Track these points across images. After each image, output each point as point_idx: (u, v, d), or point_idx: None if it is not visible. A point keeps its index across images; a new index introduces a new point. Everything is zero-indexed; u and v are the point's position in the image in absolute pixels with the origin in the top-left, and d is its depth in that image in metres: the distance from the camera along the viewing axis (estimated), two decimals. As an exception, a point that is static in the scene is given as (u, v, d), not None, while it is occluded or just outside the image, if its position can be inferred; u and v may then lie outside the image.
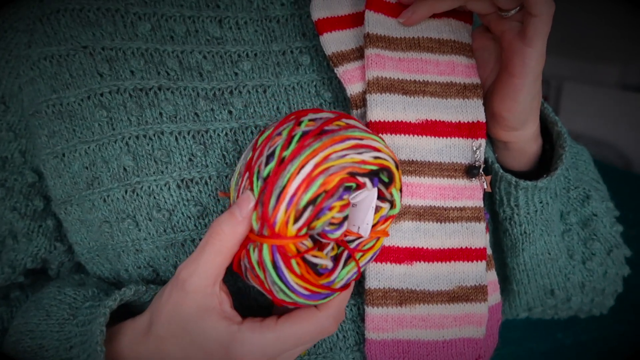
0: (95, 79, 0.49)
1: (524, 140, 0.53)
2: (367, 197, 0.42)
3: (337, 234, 0.41)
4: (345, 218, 0.41)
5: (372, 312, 0.49)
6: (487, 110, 0.51)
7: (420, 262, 0.50)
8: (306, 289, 0.40)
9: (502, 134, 0.52)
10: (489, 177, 0.52)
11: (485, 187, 0.51)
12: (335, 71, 0.51)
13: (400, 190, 0.44)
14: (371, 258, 0.44)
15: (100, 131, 0.48)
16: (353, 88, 0.51)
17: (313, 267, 0.40)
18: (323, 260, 0.41)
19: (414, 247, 0.50)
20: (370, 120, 0.49)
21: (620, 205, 0.64)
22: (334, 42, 0.52)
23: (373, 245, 0.44)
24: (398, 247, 0.49)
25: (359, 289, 0.50)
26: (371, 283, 0.49)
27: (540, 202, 0.53)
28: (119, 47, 0.49)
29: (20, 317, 0.51)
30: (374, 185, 0.41)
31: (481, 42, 0.53)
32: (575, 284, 0.58)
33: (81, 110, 0.49)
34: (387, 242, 0.49)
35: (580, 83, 1.74)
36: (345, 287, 0.43)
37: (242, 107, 0.50)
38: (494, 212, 0.56)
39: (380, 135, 0.49)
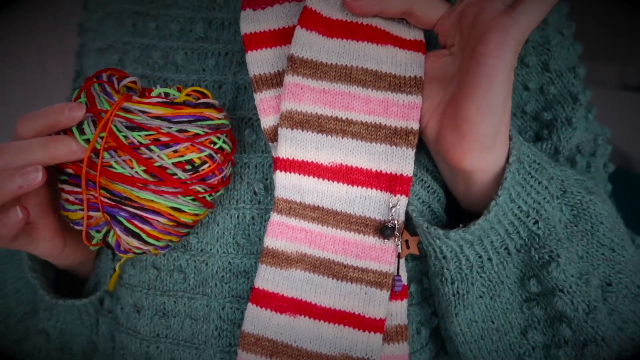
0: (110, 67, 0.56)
1: (492, 169, 0.43)
2: None
3: None
4: None
5: (242, 356, 0.46)
6: (449, 125, 0.43)
7: (304, 316, 0.45)
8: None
9: (464, 155, 0.42)
10: (415, 239, 0.45)
11: (400, 250, 0.45)
12: (255, 98, 0.47)
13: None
14: None
15: None
16: (266, 121, 0.47)
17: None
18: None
19: (300, 300, 0.46)
20: (279, 157, 0.46)
21: (621, 205, 0.63)
22: (257, 62, 0.47)
23: None
24: (283, 295, 0.46)
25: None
26: (247, 326, 0.46)
27: (479, 257, 0.44)
28: (131, 42, 0.57)
29: None
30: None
31: (437, 60, 0.46)
32: None
33: None
34: (272, 288, 0.46)
35: (580, 83, 1.74)
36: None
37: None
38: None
39: (286, 172, 0.45)
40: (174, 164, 0.43)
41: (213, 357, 0.50)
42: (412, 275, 0.49)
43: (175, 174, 0.43)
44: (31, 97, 2.22)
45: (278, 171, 0.46)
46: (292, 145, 0.45)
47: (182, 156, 0.43)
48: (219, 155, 0.45)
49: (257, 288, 0.46)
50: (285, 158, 0.46)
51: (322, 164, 0.45)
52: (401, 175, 0.45)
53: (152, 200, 0.43)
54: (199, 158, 0.44)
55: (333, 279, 0.45)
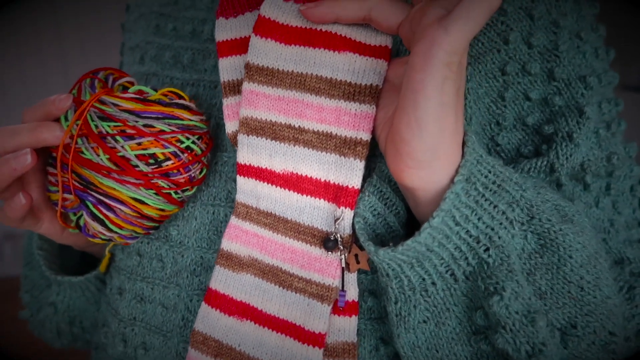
0: (134, 65, 0.60)
1: (434, 188, 0.39)
2: None
3: None
4: None
5: (190, 353, 0.47)
6: (389, 140, 0.39)
7: (250, 321, 0.45)
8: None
9: (402, 171, 0.38)
10: (365, 253, 0.42)
11: (344, 265, 0.43)
12: (223, 102, 0.47)
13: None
14: None
15: None
16: (230, 126, 0.47)
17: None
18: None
19: (248, 304, 0.45)
20: (238, 162, 0.46)
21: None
22: (227, 69, 0.47)
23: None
24: (233, 298, 0.46)
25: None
26: (197, 324, 0.47)
27: (422, 279, 0.41)
28: (151, 40, 0.59)
29: None
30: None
31: (400, 68, 0.43)
32: None
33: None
34: (223, 289, 0.46)
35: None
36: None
37: (191, 97, 0.55)
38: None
39: (244, 177, 0.47)
40: (136, 156, 0.45)
41: (177, 346, 0.51)
42: (371, 288, 0.46)
43: (137, 166, 0.45)
44: (31, 97, 2.22)
45: (238, 175, 0.47)
46: (248, 151, 0.46)
47: (145, 149, 0.45)
48: (185, 154, 0.46)
49: (210, 288, 0.47)
50: (243, 164, 0.46)
51: (275, 171, 0.45)
52: (347, 187, 0.43)
53: (114, 189, 0.45)
54: (163, 154, 0.45)
55: (279, 286, 0.45)
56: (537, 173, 0.45)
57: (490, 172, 0.40)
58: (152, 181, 0.45)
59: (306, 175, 0.44)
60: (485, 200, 0.39)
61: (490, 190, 0.40)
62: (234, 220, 0.47)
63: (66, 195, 0.46)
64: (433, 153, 0.37)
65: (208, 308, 0.47)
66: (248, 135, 0.46)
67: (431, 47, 0.35)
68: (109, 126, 0.45)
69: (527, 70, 0.46)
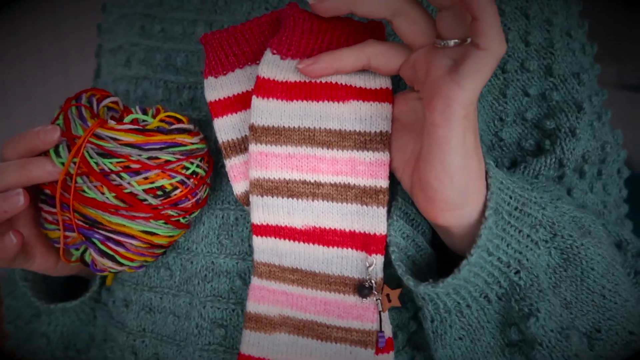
0: (119, 68, 0.59)
1: (467, 224, 0.41)
2: None
3: None
4: None
5: None
6: (417, 185, 0.41)
7: None
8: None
9: (437, 214, 0.40)
10: (396, 292, 0.44)
11: (380, 308, 0.44)
12: (224, 164, 0.47)
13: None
14: None
15: None
16: (238, 187, 0.46)
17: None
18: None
19: None
20: (253, 223, 0.45)
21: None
22: (224, 129, 0.46)
23: None
24: None
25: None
26: None
27: (457, 303, 0.43)
28: (137, 43, 0.58)
29: None
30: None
31: (406, 104, 0.43)
32: None
33: (111, 89, 0.60)
34: (257, 352, 0.45)
35: (579, 83, 1.74)
36: None
37: (189, 101, 0.54)
38: None
39: (262, 237, 0.46)
40: (144, 190, 0.43)
41: (192, 355, 0.50)
42: (395, 324, 0.49)
43: (146, 200, 0.43)
44: (31, 97, 2.22)
45: (254, 236, 0.46)
46: (264, 211, 0.45)
47: (152, 183, 0.43)
48: (191, 180, 0.45)
49: (243, 354, 0.45)
50: (259, 224, 0.45)
51: (296, 227, 0.45)
52: (374, 234, 0.44)
53: (124, 225, 0.44)
54: (170, 184, 0.44)
55: (317, 340, 0.45)
56: (547, 170, 0.48)
57: (511, 197, 0.42)
58: (162, 212, 0.44)
59: (330, 228, 0.44)
60: (511, 227, 0.41)
61: (514, 217, 0.42)
62: (256, 282, 0.45)
63: (68, 233, 0.44)
64: (464, 195, 0.39)
65: None
66: (262, 197, 0.45)
67: (449, 104, 0.36)
68: (111, 163, 0.42)
69: (525, 67, 0.48)
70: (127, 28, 0.60)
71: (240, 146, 0.46)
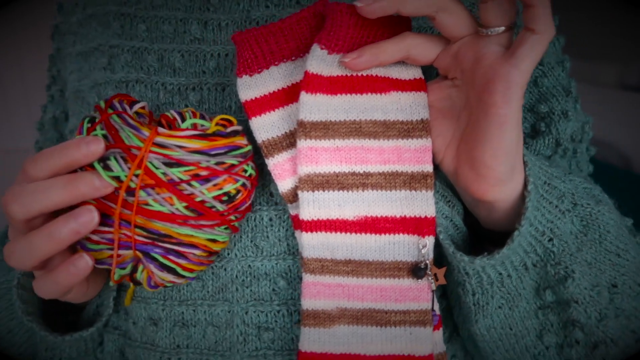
0: (100, 72, 0.56)
1: (512, 198, 0.44)
2: None
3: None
4: None
5: None
6: (466, 164, 0.43)
7: None
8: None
9: (487, 190, 0.43)
10: (442, 270, 0.46)
11: (434, 287, 0.46)
12: (267, 163, 0.47)
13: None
14: None
15: None
16: (284, 185, 0.46)
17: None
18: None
19: (349, 354, 0.45)
20: (303, 219, 0.45)
21: (621, 205, 0.63)
22: (263, 128, 0.46)
23: None
24: (332, 353, 0.45)
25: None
26: None
27: (499, 274, 0.46)
28: (120, 45, 0.55)
29: None
30: None
31: (441, 92, 0.46)
32: None
33: (87, 97, 0.56)
34: (319, 348, 0.45)
35: (579, 83, 1.74)
36: None
37: (197, 102, 0.52)
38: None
39: (312, 232, 0.46)
40: (213, 197, 0.42)
41: None
42: None
43: (214, 207, 0.43)
44: (31, 98, 2.22)
45: (304, 232, 0.46)
46: (315, 206, 0.46)
47: (221, 189, 0.42)
48: (249, 182, 0.45)
49: (305, 352, 0.45)
50: (310, 219, 0.45)
51: (347, 219, 0.46)
52: (425, 217, 0.46)
53: (192, 235, 0.42)
54: (235, 188, 0.43)
55: (377, 326, 0.46)
56: (545, 149, 0.52)
57: (540, 172, 0.46)
58: (227, 218, 0.43)
59: (381, 216, 0.46)
60: (544, 199, 0.46)
61: (545, 191, 0.46)
62: (309, 278, 0.46)
63: (121, 252, 0.42)
64: (513, 169, 0.43)
65: None
66: (313, 191, 0.45)
67: (509, 86, 0.40)
68: (180, 172, 0.40)
69: None
70: (100, 29, 0.57)
71: (281, 144, 0.47)
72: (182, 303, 0.50)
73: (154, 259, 0.42)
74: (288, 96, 0.47)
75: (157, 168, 0.40)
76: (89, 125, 0.43)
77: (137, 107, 0.45)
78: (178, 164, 0.41)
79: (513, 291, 0.47)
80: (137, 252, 0.42)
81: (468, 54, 0.43)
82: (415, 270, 0.45)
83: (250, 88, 0.46)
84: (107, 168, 0.40)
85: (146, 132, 0.41)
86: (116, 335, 0.54)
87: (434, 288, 0.46)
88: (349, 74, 0.46)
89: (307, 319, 0.45)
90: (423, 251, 0.45)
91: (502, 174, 0.42)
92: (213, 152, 0.42)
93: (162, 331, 0.51)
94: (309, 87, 0.45)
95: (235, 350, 0.49)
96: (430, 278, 0.46)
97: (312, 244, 0.46)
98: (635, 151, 1.65)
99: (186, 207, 0.41)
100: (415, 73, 0.46)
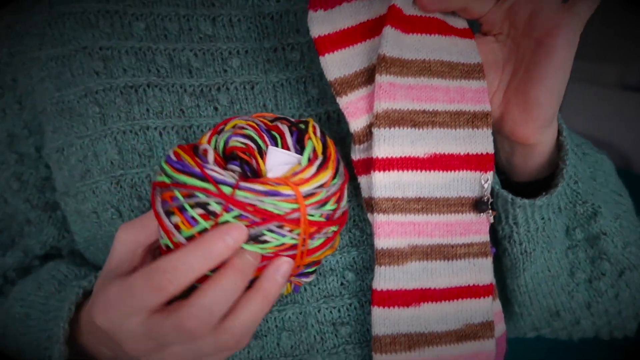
0: (92, 78, 0.51)
1: (551, 141, 0.49)
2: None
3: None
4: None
5: (379, 359, 0.46)
6: (517, 107, 0.47)
7: (428, 303, 0.47)
8: None
9: (533, 132, 0.47)
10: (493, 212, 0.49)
11: (492, 220, 0.49)
12: (338, 101, 0.46)
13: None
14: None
15: (93, 127, 0.50)
16: (357, 123, 0.46)
17: None
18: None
19: (421, 288, 0.47)
20: (377, 157, 0.46)
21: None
22: (336, 65, 0.46)
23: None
24: (405, 289, 0.47)
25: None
26: (379, 329, 0.46)
27: (542, 219, 0.49)
28: (114, 46, 0.51)
29: (19, 285, 0.55)
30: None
31: (485, 46, 0.49)
32: (581, 304, 0.55)
33: (78, 108, 0.51)
34: (393, 285, 0.47)
35: (580, 83, 1.74)
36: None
37: (228, 104, 0.50)
38: (493, 231, 0.52)
39: (384, 171, 0.46)
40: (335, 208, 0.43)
41: None
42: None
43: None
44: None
45: (376, 172, 0.46)
46: (389, 143, 0.46)
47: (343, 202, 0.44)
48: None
49: (380, 290, 0.46)
50: (383, 157, 0.46)
51: (418, 156, 0.47)
52: (486, 154, 0.48)
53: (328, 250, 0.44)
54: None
55: (444, 260, 0.48)
56: None
57: (561, 122, 0.51)
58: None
59: (448, 153, 0.48)
60: (568, 144, 0.49)
61: (568, 137, 0.50)
62: (381, 217, 0.47)
63: None
64: (556, 114, 0.47)
65: (383, 310, 0.47)
66: (390, 128, 0.46)
67: (571, 31, 0.44)
68: (330, 204, 0.40)
69: None
70: (80, 29, 0.52)
71: (354, 81, 0.47)
72: None
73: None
74: (358, 34, 0.47)
75: (312, 216, 0.39)
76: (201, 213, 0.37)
77: (233, 141, 0.42)
78: (325, 202, 0.40)
79: (551, 234, 0.50)
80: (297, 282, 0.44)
81: (524, 8, 0.46)
82: (479, 204, 0.48)
83: (322, 23, 0.46)
84: (263, 242, 0.38)
85: (289, 192, 0.38)
86: None
87: (492, 221, 0.49)
88: (419, 15, 0.47)
89: (382, 257, 0.46)
90: (485, 185, 0.48)
91: (551, 115, 0.46)
92: (335, 174, 0.42)
93: None
94: (392, 20, 0.46)
95: (315, 351, 0.49)
96: (489, 212, 0.48)
97: (383, 183, 0.46)
98: (635, 151, 1.64)
99: (336, 231, 0.42)
100: (462, 23, 0.49)
